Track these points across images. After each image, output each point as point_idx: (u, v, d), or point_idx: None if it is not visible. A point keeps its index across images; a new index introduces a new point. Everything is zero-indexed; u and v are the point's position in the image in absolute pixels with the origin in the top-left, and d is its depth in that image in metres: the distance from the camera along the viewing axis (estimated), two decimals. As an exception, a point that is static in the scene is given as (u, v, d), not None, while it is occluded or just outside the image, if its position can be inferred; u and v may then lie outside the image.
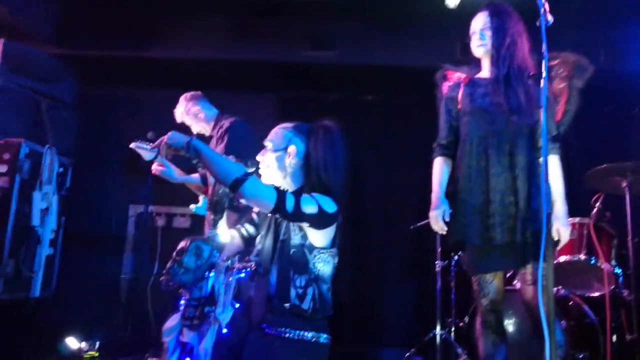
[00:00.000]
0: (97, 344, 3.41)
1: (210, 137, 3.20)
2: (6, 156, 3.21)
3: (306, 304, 1.82)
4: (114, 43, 4.01)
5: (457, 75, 2.25)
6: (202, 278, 1.70)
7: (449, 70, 2.31)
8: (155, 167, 3.14)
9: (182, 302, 1.72)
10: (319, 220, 1.80)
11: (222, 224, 1.96)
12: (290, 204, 1.74)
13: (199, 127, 3.22)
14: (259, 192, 1.74)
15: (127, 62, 4.13)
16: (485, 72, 2.20)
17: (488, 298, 2.03)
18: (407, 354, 3.37)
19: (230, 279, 1.75)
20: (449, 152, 2.24)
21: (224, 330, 1.70)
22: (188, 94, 3.25)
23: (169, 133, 1.81)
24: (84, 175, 3.96)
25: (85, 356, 3.33)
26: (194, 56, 4.08)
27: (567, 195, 2.06)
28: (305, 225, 1.82)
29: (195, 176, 3.15)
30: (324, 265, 1.87)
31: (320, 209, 1.78)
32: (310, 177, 1.91)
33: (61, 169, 3.55)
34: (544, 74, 1.67)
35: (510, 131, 2.02)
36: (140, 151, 3.19)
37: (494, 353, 2.00)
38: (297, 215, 1.77)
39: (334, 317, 1.92)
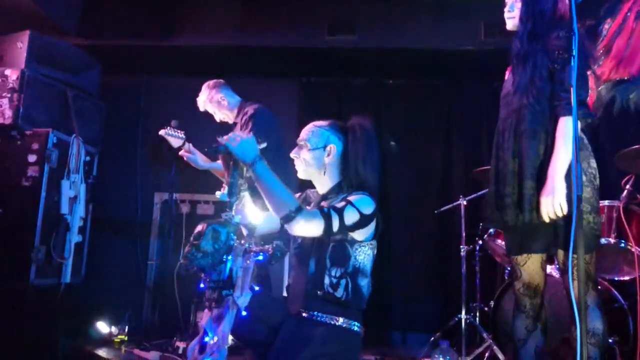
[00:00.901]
0: (127, 328, 3.49)
1: (234, 124, 3.21)
2: (35, 146, 3.27)
3: (339, 293, 1.89)
4: (137, 32, 4.04)
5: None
6: (221, 262, 1.69)
7: None
8: (182, 153, 3.20)
9: (202, 285, 1.73)
10: (361, 224, 1.88)
11: (249, 204, 1.96)
12: (336, 224, 1.82)
13: (222, 114, 3.24)
14: (308, 226, 1.80)
15: (150, 51, 4.17)
16: None
17: (520, 281, 2.00)
18: (432, 338, 3.36)
19: (249, 262, 1.74)
20: None
21: (243, 313, 1.71)
22: (211, 82, 3.26)
23: (238, 139, 1.79)
24: (109, 163, 4.03)
25: (115, 340, 3.42)
26: (216, 43, 4.09)
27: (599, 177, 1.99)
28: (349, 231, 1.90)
29: (220, 163, 3.18)
30: (364, 258, 1.94)
31: (362, 215, 1.86)
32: (349, 174, 2.00)
33: (87, 158, 3.60)
34: (573, 52, 1.62)
35: (520, 108, 1.96)
36: (169, 138, 3.24)
37: (526, 338, 1.97)
38: (342, 231, 1.85)
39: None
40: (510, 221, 1.92)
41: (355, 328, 1.91)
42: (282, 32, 4.08)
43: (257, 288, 1.79)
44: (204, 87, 3.27)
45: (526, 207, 1.87)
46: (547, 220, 1.81)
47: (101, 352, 3.12)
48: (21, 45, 3.39)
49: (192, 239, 1.69)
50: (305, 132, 2.07)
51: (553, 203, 1.78)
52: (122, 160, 4.43)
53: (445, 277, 4.16)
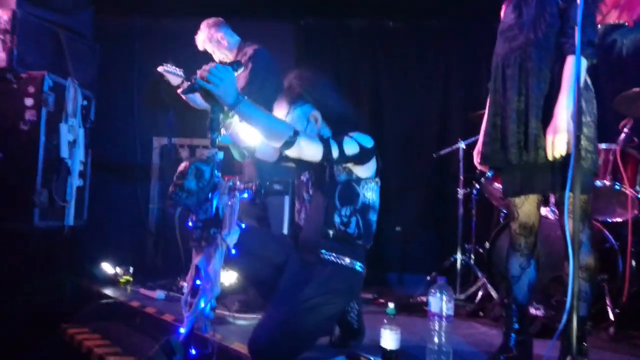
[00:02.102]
0: (131, 269, 3.59)
1: (232, 64, 3.17)
2: (31, 89, 3.24)
3: (350, 229, 1.97)
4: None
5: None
6: (206, 200, 1.66)
7: None
8: (181, 91, 3.15)
9: (190, 224, 1.70)
10: (362, 157, 1.93)
11: (242, 130, 1.92)
12: (335, 151, 1.85)
13: (221, 54, 3.19)
14: (308, 149, 1.82)
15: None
16: None
17: (517, 222, 2.04)
18: (428, 277, 3.47)
19: (234, 199, 1.71)
20: None
21: (233, 252, 1.72)
22: (210, 20, 3.20)
23: (214, 78, 1.63)
24: (106, 107, 3.99)
25: (120, 280, 3.52)
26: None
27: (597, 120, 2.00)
28: (350, 164, 1.95)
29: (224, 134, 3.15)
30: (372, 194, 2.03)
31: (361, 147, 1.91)
32: (332, 119, 2.06)
33: (85, 102, 3.57)
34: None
35: (524, 44, 1.93)
36: (168, 75, 3.17)
37: (520, 275, 2.04)
38: (343, 159, 1.89)
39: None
40: (514, 159, 1.92)
41: (358, 268, 1.99)
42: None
43: (244, 225, 1.77)
44: (203, 25, 3.20)
45: (531, 146, 1.88)
46: (551, 158, 1.82)
47: (108, 291, 3.21)
48: (11, -16, 3.28)
49: (175, 178, 1.64)
50: (291, 119, 2.06)
51: (560, 141, 1.78)
52: (119, 104, 4.39)
53: (442, 219, 4.24)
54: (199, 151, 4.09)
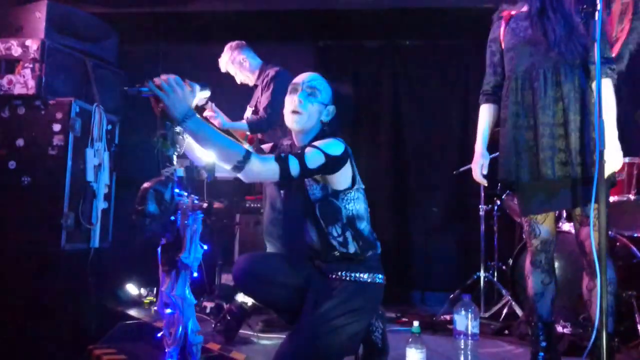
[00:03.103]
0: (155, 290, 3.62)
1: (255, 86, 3.24)
2: (59, 115, 3.34)
3: (352, 247, 1.92)
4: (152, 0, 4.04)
5: (507, 13, 2.15)
6: (172, 222, 1.59)
7: (504, 11, 2.17)
8: (206, 113, 3.21)
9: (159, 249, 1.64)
10: (330, 167, 1.83)
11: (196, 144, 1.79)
12: (295, 169, 1.75)
13: (243, 76, 3.27)
14: (262, 172, 1.73)
15: (166, 17, 4.17)
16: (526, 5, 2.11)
17: (539, 239, 2.03)
18: (452, 295, 3.44)
19: (192, 219, 1.63)
20: (493, 97, 2.19)
21: (195, 274, 1.65)
22: (233, 43, 3.29)
23: (170, 89, 1.57)
24: (130, 131, 4.08)
25: (145, 301, 3.56)
26: (231, 8, 4.07)
27: (618, 134, 2.00)
28: (317, 176, 1.86)
29: (243, 122, 3.20)
30: (355, 204, 1.93)
31: (327, 156, 1.81)
32: (326, 130, 1.99)
33: (109, 126, 3.67)
34: (598, 6, 1.61)
35: (555, 62, 1.94)
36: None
37: (543, 292, 2.02)
38: (305, 175, 1.80)
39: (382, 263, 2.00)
40: (549, 175, 1.92)
41: (379, 280, 1.96)
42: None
43: (205, 247, 1.68)
44: (226, 48, 3.29)
45: (574, 161, 1.90)
46: (607, 174, 1.84)
47: (133, 312, 3.25)
48: (39, 14, 3.41)
49: (136, 205, 1.57)
50: (313, 79, 2.01)
51: (618, 159, 1.88)
52: (143, 127, 4.46)
53: (463, 236, 4.21)
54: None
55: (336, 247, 1.91)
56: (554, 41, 1.93)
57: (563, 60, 1.93)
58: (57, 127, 3.34)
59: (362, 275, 1.92)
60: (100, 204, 3.54)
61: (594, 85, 1.85)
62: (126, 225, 4.01)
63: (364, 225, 1.96)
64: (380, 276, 1.97)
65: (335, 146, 1.85)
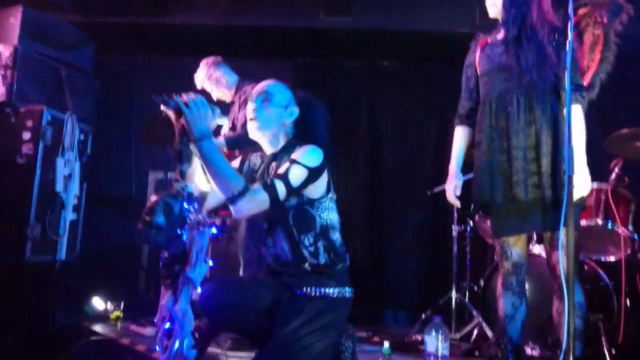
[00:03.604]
0: (122, 305, 3.53)
1: (232, 103, 3.21)
2: (29, 123, 3.26)
3: (322, 258, 1.90)
4: (131, 9, 4.01)
5: (482, 40, 2.21)
6: (177, 236, 1.61)
7: (481, 39, 2.23)
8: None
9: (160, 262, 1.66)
10: (312, 178, 1.85)
11: (199, 172, 1.88)
12: (282, 192, 1.78)
13: (219, 93, 3.23)
14: (252, 206, 1.75)
15: (144, 29, 4.13)
16: (501, 32, 2.17)
17: (510, 261, 2.05)
18: (423, 315, 3.44)
19: (202, 235, 1.66)
20: (468, 120, 2.25)
21: (198, 290, 1.66)
22: (209, 59, 3.25)
23: (195, 106, 1.67)
24: (103, 142, 4.02)
25: (111, 316, 3.46)
26: (211, 22, 4.07)
27: (587, 159, 2.05)
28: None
29: (221, 139, 3.17)
30: (329, 213, 1.93)
31: (309, 169, 1.82)
32: (299, 134, 1.98)
33: (82, 136, 3.59)
34: (569, 37, 1.65)
35: (528, 88, 2.00)
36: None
37: (513, 314, 2.04)
38: (292, 194, 1.82)
39: (351, 279, 1.98)
40: (522, 197, 1.95)
41: (347, 294, 1.94)
42: (277, 11, 4.06)
43: (211, 263, 1.71)
44: (202, 63, 3.26)
45: (545, 184, 1.93)
46: (576, 198, 1.88)
47: (98, 328, 3.16)
48: (14, 20, 3.35)
49: (143, 214, 1.59)
50: (268, 86, 2.01)
51: (586, 184, 1.91)
52: (116, 138, 4.42)
53: (436, 257, 4.24)
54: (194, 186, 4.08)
55: (307, 257, 1.89)
56: (526, 68, 1.99)
57: (535, 86, 1.98)
58: (27, 135, 3.26)
59: (331, 290, 1.90)
60: (69, 215, 3.45)
61: (565, 111, 1.89)
62: (95, 237, 3.93)
63: (336, 236, 1.95)
64: (348, 290, 1.95)
65: (314, 155, 1.86)
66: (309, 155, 1.85)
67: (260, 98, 1.98)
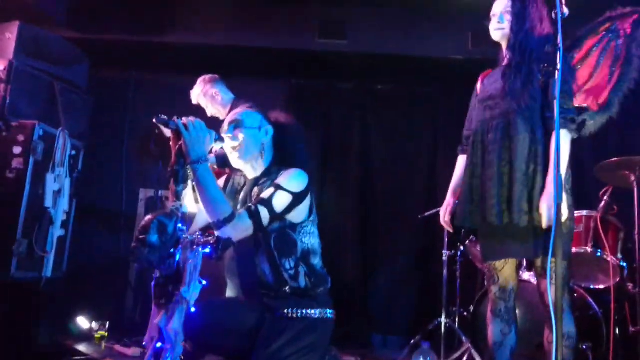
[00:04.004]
0: (107, 324, 3.48)
1: (224, 121, 3.22)
2: (20, 138, 3.24)
3: (302, 282, 1.90)
4: (129, 28, 4.04)
5: (487, 71, 2.26)
6: (169, 255, 1.60)
7: (486, 71, 2.28)
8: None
9: (153, 282, 1.64)
10: (296, 203, 1.87)
11: (189, 193, 1.89)
12: (265, 218, 1.80)
13: (214, 109, 3.26)
14: (237, 232, 1.77)
15: (140, 46, 4.16)
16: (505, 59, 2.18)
17: (497, 285, 2.05)
18: (412, 341, 3.41)
19: (196, 254, 1.65)
20: (467, 148, 2.28)
21: (192, 309, 1.65)
22: (206, 77, 3.29)
23: (195, 128, 1.71)
24: (95, 158, 4.00)
25: (95, 336, 3.40)
26: (207, 42, 4.11)
27: (577, 187, 2.06)
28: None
29: (211, 156, 3.17)
30: (310, 238, 1.94)
31: (293, 194, 1.85)
32: (281, 156, 1.99)
33: (73, 152, 3.58)
34: (558, 66, 1.68)
35: (509, 113, 2.01)
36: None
37: (502, 341, 2.03)
38: (275, 219, 1.84)
39: (341, 302, 1.97)
40: (495, 222, 1.95)
41: (329, 315, 1.93)
42: (273, 33, 4.11)
43: (204, 282, 1.69)
44: (200, 80, 3.29)
45: (515, 209, 1.92)
46: (545, 225, 1.86)
47: (81, 348, 3.10)
48: (10, 35, 3.35)
49: (137, 233, 1.59)
50: (236, 114, 2.02)
51: (553, 209, 1.82)
52: (108, 155, 4.41)
53: (426, 281, 4.22)
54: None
55: (287, 280, 1.88)
56: (508, 92, 2.02)
57: (516, 111, 1.99)
58: (17, 150, 3.23)
59: (312, 311, 1.89)
60: (57, 231, 3.41)
61: (552, 134, 1.90)
62: (84, 254, 3.89)
63: (317, 261, 1.96)
64: (330, 311, 1.94)
65: (298, 179, 1.88)
66: (293, 180, 1.87)
67: (231, 127, 1.99)
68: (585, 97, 2.17)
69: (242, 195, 2.05)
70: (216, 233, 1.78)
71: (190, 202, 1.90)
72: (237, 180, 2.13)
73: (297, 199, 1.86)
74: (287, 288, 1.89)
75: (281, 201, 1.83)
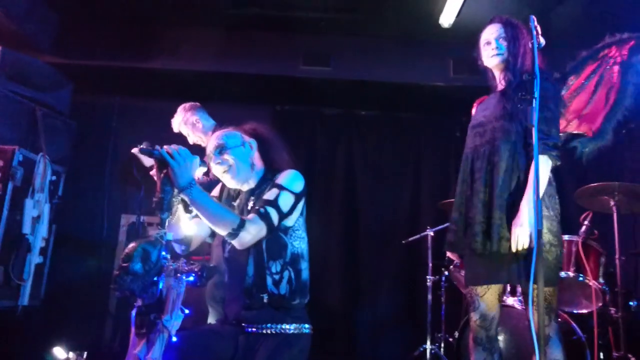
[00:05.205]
0: (85, 354, 3.37)
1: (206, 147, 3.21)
2: (0, 163, 3.20)
3: (283, 289, 1.87)
4: (112, 54, 4.05)
5: (479, 100, 2.28)
6: (152, 283, 1.58)
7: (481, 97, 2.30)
8: (153, 173, 3.13)
9: (134, 311, 1.61)
10: (299, 202, 1.91)
11: (183, 218, 1.91)
12: (275, 218, 1.84)
13: (195, 137, 3.24)
14: (252, 236, 1.80)
15: (125, 72, 4.16)
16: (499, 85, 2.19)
17: (478, 312, 2.04)
18: (397, 368, 3.37)
19: (179, 283, 1.63)
20: None
21: (174, 339, 1.63)
22: (187, 104, 3.27)
23: (178, 157, 1.69)
24: (77, 183, 3.95)
25: (72, 366, 3.30)
26: (191, 68, 4.13)
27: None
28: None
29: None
30: (300, 242, 1.95)
31: (295, 194, 1.89)
32: (270, 163, 2.02)
33: (54, 177, 3.53)
34: (535, 94, 1.71)
35: (495, 140, 2.03)
36: (142, 157, 3.17)
37: (484, 370, 2.01)
38: (283, 219, 1.87)
39: (325, 329, 1.93)
40: (478, 249, 1.96)
41: (306, 330, 1.90)
42: (258, 60, 4.15)
43: (187, 311, 1.68)
44: (180, 108, 3.27)
45: (494, 236, 1.92)
46: (514, 250, 1.86)
47: (57, 379, 3.00)
48: (-8, 60, 3.34)
49: (120, 261, 1.58)
50: (216, 140, 2.01)
51: (523, 234, 1.84)
52: (90, 180, 4.35)
53: (411, 306, 4.20)
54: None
55: (267, 285, 1.85)
56: (497, 117, 2.04)
57: (501, 138, 2.02)
58: (-4, 176, 3.19)
59: (287, 326, 1.86)
60: (35, 259, 3.34)
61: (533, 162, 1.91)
62: (62, 281, 3.80)
63: (304, 266, 1.94)
64: (307, 326, 1.91)
65: (297, 180, 1.92)
66: (293, 180, 1.92)
67: (217, 152, 1.99)
68: (580, 124, 2.19)
69: (237, 203, 2.04)
70: (234, 243, 1.81)
71: (186, 224, 1.92)
72: (232, 194, 2.11)
73: (298, 198, 1.91)
74: (264, 295, 1.85)
75: (285, 202, 1.87)
